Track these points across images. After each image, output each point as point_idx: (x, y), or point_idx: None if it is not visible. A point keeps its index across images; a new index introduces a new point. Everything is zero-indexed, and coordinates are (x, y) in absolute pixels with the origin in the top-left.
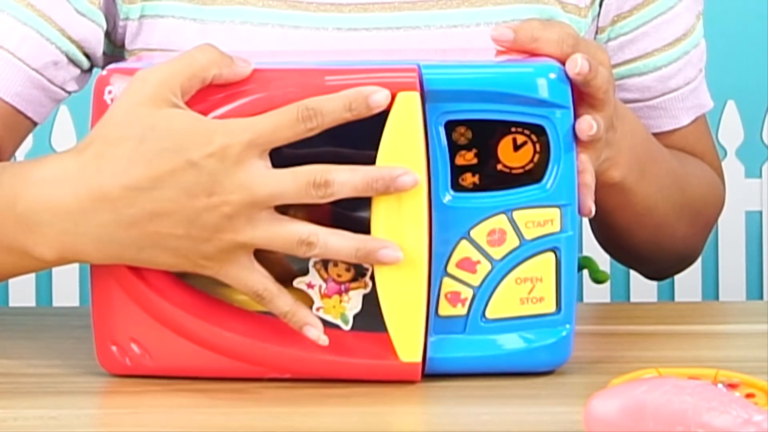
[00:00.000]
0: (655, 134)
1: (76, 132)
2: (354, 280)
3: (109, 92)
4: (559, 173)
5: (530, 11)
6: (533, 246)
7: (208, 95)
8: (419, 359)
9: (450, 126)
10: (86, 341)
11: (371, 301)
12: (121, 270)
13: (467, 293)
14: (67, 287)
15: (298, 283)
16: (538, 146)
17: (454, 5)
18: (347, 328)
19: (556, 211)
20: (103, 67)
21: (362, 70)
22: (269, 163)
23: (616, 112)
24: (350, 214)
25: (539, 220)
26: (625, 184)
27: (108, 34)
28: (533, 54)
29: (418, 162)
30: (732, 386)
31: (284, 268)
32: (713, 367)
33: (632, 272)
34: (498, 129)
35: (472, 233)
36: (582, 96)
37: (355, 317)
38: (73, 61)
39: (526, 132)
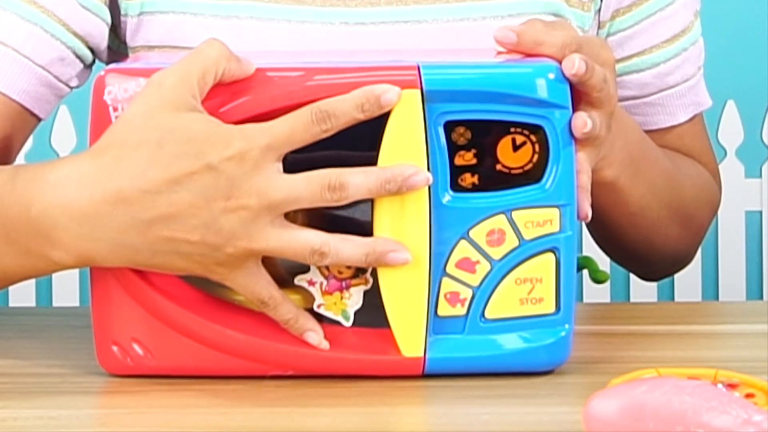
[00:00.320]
0: (651, 131)
1: (76, 132)
2: (355, 276)
3: (109, 92)
4: (558, 173)
5: (536, 4)
6: (532, 246)
7: (205, 97)
8: (421, 354)
9: (449, 126)
10: (86, 341)
11: (372, 298)
12: (121, 269)
13: (466, 293)
14: (67, 287)
15: (299, 280)
16: (537, 146)
17: None
18: (348, 324)
19: (556, 211)
20: (108, 63)
21: (362, 69)
22: (282, 168)
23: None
24: (350, 215)
25: (538, 220)
26: (618, 183)
27: (114, 29)
28: (536, 56)
29: (419, 159)
30: (732, 386)
31: (284, 268)
32: (713, 367)
33: None
34: (497, 129)
35: (472, 233)
36: (580, 94)
37: (356, 314)
38: (78, 56)
39: (525, 132)
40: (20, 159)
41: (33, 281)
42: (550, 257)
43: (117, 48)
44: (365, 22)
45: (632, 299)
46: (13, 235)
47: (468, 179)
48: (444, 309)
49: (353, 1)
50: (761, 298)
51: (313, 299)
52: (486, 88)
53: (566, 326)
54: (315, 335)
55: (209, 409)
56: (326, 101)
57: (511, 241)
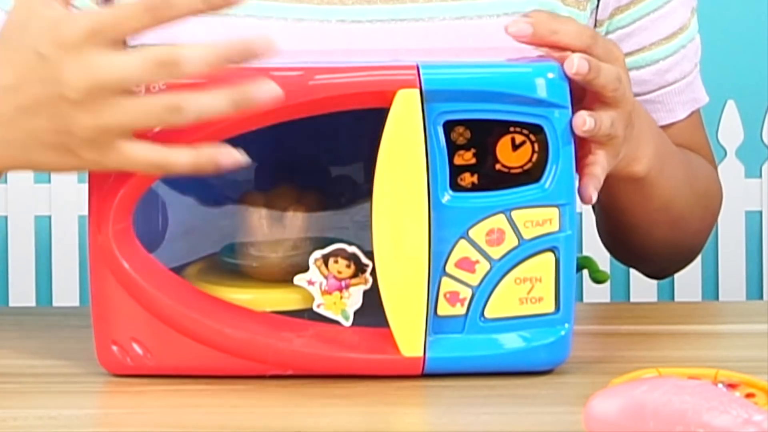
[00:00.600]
0: None
1: None
2: (354, 276)
3: None
4: (557, 173)
5: (531, 3)
6: (532, 245)
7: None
8: (421, 353)
9: (449, 126)
10: (86, 341)
11: (372, 297)
12: (121, 269)
13: (466, 293)
14: (67, 287)
15: (299, 280)
16: (536, 146)
17: None
18: (348, 324)
19: (555, 210)
20: None
21: (362, 69)
22: (122, 53)
23: (633, 108)
24: (350, 215)
25: (538, 219)
26: (648, 178)
27: None
28: (552, 47)
29: (418, 158)
30: (732, 386)
31: (284, 268)
32: (713, 367)
33: (632, 272)
34: (496, 129)
35: (471, 233)
36: (594, 95)
37: (355, 313)
38: None
39: (525, 132)
40: None
41: (33, 282)
42: (549, 257)
43: None
44: (362, 20)
45: (632, 299)
46: None
47: (467, 179)
48: (443, 308)
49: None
50: (761, 298)
51: (313, 299)
52: (485, 87)
53: (566, 326)
54: (224, 155)
55: (209, 409)
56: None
57: (511, 241)
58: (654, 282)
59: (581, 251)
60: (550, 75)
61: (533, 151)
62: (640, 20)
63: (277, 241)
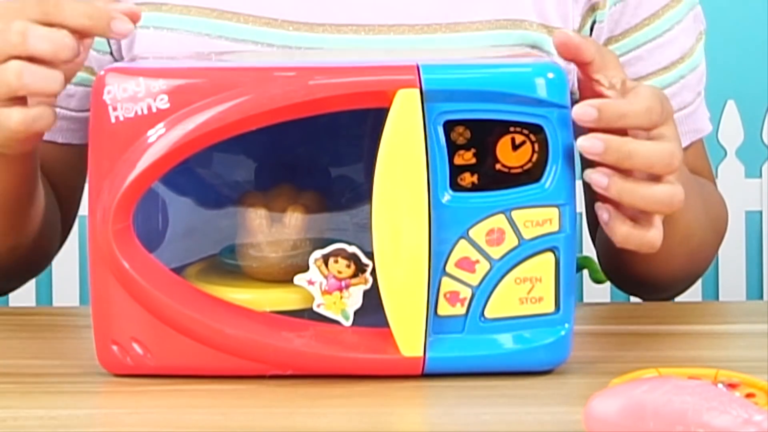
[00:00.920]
0: None
1: None
2: (354, 276)
3: (108, 92)
4: (557, 173)
5: (510, 37)
6: (532, 245)
7: (194, 99)
8: (421, 353)
9: (449, 126)
10: (86, 341)
11: (372, 297)
12: (121, 269)
13: (466, 293)
14: (67, 287)
15: (299, 279)
16: (536, 146)
17: (431, 30)
18: (348, 324)
19: (555, 210)
20: None
21: (362, 69)
22: None
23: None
24: (349, 215)
25: (538, 219)
26: (674, 214)
27: (112, 54)
28: (619, 131)
29: (418, 158)
30: (732, 386)
31: (284, 268)
32: (713, 367)
33: None
34: (496, 129)
35: (471, 233)
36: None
37: (355, 313)
38: (86, 86)
39: (525, 132)
40: None
41: (33, 281)
42: (549, 257)
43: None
44: (332, 48)
45: (632, 299)
46: None
47: (467, 179)
48: (443, 308)
49: (320, 27)
50: (761, 298)
51: (313, 299)
52: (485, 87)
53: (566, 326)
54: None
55: (209, 409)
56: None
57: (511, 241)
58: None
59: (581, 251)
60: (550, 75)
61: (533, 151)
62: (635, 50)
63: (277, 241)
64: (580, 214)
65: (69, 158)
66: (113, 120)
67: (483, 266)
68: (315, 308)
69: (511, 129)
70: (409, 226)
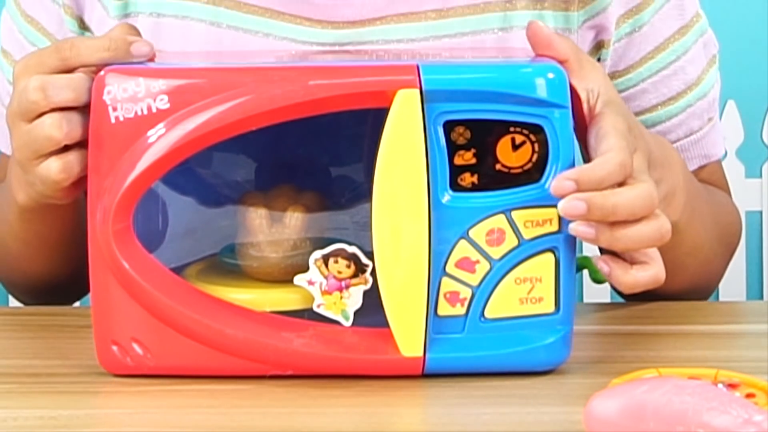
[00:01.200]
0: None
1: None
2: (354, 276)
3: (108, 92)
4: (557, 173)
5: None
6: (532, 246)
7: (194, 99)
8: (421, 353)
9: (449, 126)
10: (86, 341)
11: (372, 297)
12: (121, 269)
13: (466, 293)
14: None
15: (299, 280)
16: (536, 146)
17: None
18: (348, 324)
19: (555, 211)
20: None
21: (362, 69)
22: None
23: (656, 154)
24: (349, 215)
25: (538, 219)
26: (679, 225)
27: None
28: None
29: (418, 159)
30: (732, 386)
31: (284, 268)
32: (713, 367)
33: None
34: (496, 129)
35: (471, 233)
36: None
37: (355, 313)
38: None
39: (525, 132)
40: None
41: None
42: (549, 257)
43: None
44: (342, 42)
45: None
46: None
47: (467, 179)
48: (444, 309)
49: (319, 24)
50: (761, 298)
51: (313, 299)
52: (485, 87)
53: (566, 326)
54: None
55: (209, 409)
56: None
57: (511, 241)
58: None
59: (581, 251)
60: (550, 75)
61: (533, 151)
62: (640, 84)
63: (277, 241)
64: None
65: None
66: (113, 120)
67: (483, 266)
68: (315, 308)
69: (511, 129)
70: (409, 226)
